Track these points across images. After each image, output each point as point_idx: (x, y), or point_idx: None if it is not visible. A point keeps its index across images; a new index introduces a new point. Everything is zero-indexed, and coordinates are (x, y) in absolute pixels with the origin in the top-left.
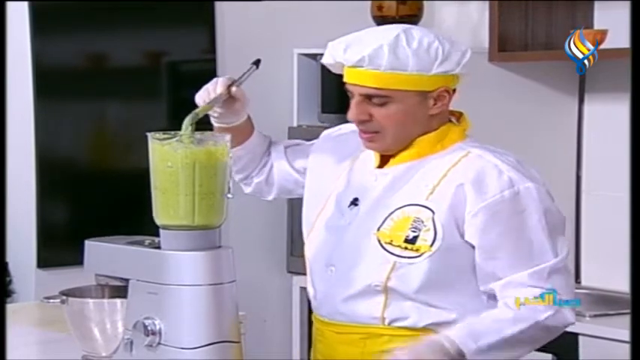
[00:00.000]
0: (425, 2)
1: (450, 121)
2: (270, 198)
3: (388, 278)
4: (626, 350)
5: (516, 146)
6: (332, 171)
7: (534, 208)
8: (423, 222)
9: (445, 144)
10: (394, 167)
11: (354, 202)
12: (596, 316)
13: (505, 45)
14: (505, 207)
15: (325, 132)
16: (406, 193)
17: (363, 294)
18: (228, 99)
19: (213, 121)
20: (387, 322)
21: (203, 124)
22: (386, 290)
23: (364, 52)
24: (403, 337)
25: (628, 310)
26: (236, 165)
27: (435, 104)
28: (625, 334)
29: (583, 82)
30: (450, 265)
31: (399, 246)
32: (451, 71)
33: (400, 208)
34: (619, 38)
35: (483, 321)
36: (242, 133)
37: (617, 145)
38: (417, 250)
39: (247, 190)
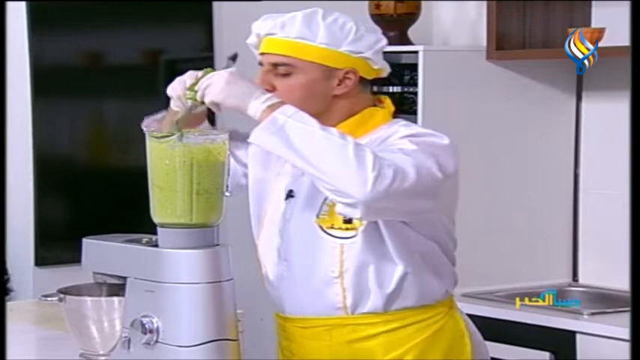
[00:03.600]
0: (423, 1)
1: (375, 105)
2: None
3: (342, 263)
4: (623, 348)
5: (514, 144)
6: (272, 165)
7: (425, 144)
8: None
9: (369, 127)
10: None
11: (290, 194)
12: (593, 314)
13: (503, 43)
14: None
15: None
16: None
17: (321, 285)
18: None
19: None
20: (349, 310)
21: None
22: (341, 276)
23: (278, 19)
24: (367, 325)
25: (625, 308)
26: None
27: (339, 84)
28: (622, 332)
29: (581, 80)
30: (384, 228)
31: (339, 228)
32: (361, 53)
33: None
34: (617, 36)
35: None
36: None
37: (615, 144)
38: (353, 228)
39: None
